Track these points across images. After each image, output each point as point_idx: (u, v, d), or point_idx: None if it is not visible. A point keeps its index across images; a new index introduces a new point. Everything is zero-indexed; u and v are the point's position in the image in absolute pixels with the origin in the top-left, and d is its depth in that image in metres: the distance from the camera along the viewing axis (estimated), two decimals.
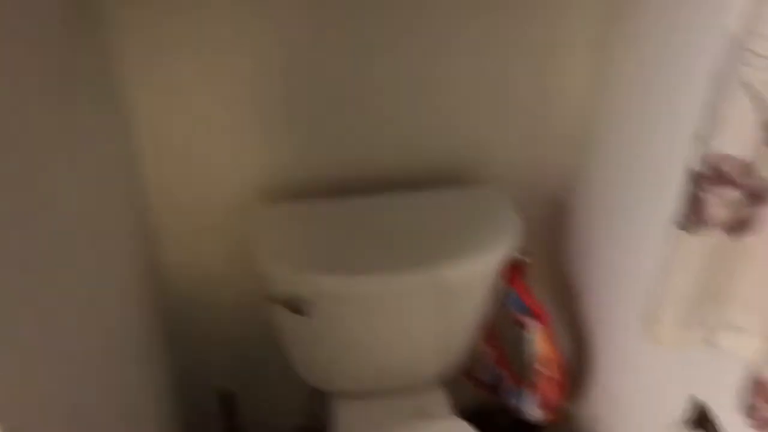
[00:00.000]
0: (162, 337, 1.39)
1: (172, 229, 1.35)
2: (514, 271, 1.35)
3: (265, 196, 1.34)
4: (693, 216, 0.78)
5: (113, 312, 1.00)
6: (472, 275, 1.24)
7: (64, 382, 0.71)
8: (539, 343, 1.31)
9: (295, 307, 1.19)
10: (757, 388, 0.75)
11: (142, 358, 1.18)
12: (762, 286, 0.81)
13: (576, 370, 1.48)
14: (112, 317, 0.99)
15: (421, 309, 1.25)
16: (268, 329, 1.37)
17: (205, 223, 1.35)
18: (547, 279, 1.58)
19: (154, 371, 1.28)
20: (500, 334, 1.52)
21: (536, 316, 1.30)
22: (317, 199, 1.32)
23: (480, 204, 1.33)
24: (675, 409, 1.11)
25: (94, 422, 0.83)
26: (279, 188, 1.34)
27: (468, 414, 1.43)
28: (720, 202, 0.75)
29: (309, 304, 1.20)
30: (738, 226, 0.77)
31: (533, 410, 1.39)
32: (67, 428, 0.71)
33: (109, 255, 1.00)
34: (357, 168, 1.35)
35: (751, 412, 0.77)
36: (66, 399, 0.71)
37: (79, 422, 0.76)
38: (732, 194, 0.74)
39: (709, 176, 0.74)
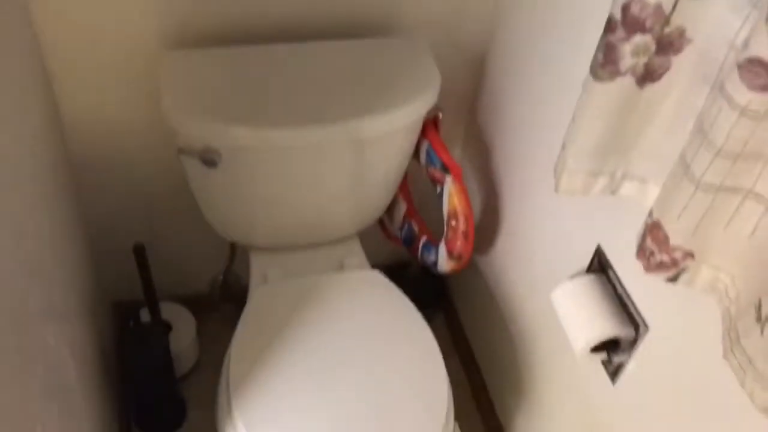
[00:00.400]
0: (72, 196, 1.34)
1: (75, 81, 1.26)
2: (429, 124, 1.34)
3: (175, 42, 1.26)
4: (605, 64, 0.78)
5: (19, 168, 0.95)
6: (391, 129, 1.23)
7: None
8: (451, 196, 1.33)
9: (207, 159, 1.16)
10: (652, 233, 0.79)
11: (51, 212, 1.14)
12: (664, 136, 0.83)
13: (485, 222, 1.53)
14: (19, 173, 0.94)
15: (337, 163, 1.24)
16: (181, 182, 1.34)
17: (110, 73, 1.27)
18: (461, 133, 1.59)
19: (65, 226, 1.24)
20: (413, 188, 1.54)
21: (449, 169, 1.31)
22: (229, 46, 1.25)
23: (400, 56, 1.29)
24: (578, 258, 1.17)
25: (7, 281, 0.80)
26: (190, 34, 1.26)
27: (382, 266, 1.47)
28: (631, 49, 0.75)
29: (221, 156, 1.16)
30: (647, 75, 0.78)
31: (442, 262, 1.44)
32: None
33: (4, 116, 0.93)
34: (273, 13, 1.27)
35: (644, 255, 0.81)
36: None
37: None
38: (643, 40, 0.74)
39: (622, 21, 0.73)
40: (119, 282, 1.59)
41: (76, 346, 1.19)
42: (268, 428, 1.11)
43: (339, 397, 1.16)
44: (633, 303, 1.03)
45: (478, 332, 1.73)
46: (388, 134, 1.23)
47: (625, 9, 0.73)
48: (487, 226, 1.53)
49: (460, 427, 1.54)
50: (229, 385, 1.17)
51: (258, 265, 1.40)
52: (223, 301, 1.71)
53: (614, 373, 1.10)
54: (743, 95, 0.61)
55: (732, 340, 0.74)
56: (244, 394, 1.15)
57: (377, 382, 1.19)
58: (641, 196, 0.91)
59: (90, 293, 1.39)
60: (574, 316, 1.08)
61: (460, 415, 1.29)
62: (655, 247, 0.79)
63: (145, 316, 1.54)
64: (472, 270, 1.66)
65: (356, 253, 1.45)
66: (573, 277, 1.13)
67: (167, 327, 1.58)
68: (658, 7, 0.72)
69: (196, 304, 1.68)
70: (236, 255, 1.57)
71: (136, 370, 1.43)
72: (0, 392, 0.73)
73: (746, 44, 0.60)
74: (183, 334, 1.59)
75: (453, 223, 1.36)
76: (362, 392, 1.17)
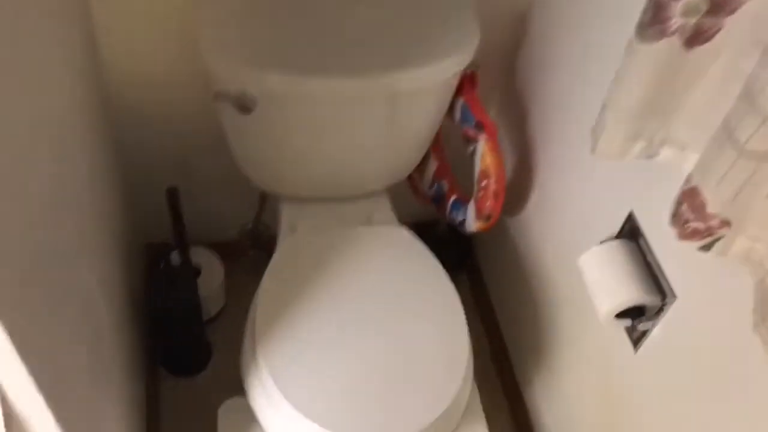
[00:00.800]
0: (109, 137, 1.35)
1: (114, 25, 1.26)
2: (466, 81, 1.33)
3: None
4: (653, 23, 0.75)
5: (60, 107, 0.96)
6: (427, 84, 1.21)
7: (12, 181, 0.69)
8: (484, 155, 1.32)
9: (242, 104, 1.16)
10: (688, 199, 0.78)
11: (89, 150, 1.16)
12: (708, 101, 0.81)
13: (516, 183, 1.52)
14: (57, 118, 0.95)
15: (371, 116, 1.24)
16: (216, 129, 1.34)
17: (148, 15, 1.26)
18: (497, 91, 1.57)
19: (102, 165, 1.26)
20: (446, 145, 1.53)
21: (483, 127, 1.30)
22: None
23: (439, 8, 1.27)
24: (609, 224, 1.16)
25: (45, 215, 0.82)
26: None
27: (410, 224, 1.47)
28: (681, 9, 0.73)
29: (256, 103, 1.16)
30: (695, 36, 0.76)
31: (470, 221, 1.44)
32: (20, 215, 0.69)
33: (49, 58, 0.94)
34: None
35: (678, 221, 0.80)
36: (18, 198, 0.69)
37: (32, 213, 0.75)
38: (695, 0, 0.71)
39: None
40: (151, 224, 1.61)
41: (107, 284, 1.22)
42: (292, 375, 1.13)
43: (360, 350, 1.18)
44: (662, 271, 1.02)
45: (501, 295, 1.73)
46: (423, 89, 1.22)
47: None
48: (517, 188, 1.52)
49: (479, 388, 1.55)
50: (254, 331, 1.19)
51: (287, 215, 1.41)
52: (251, 248, 1.73)
53: (637, 340, 1.10)
54: None
55: (764, 312, 0.73)
56: (269, 340, 1.17)
57: (399, 337, 1.20)
58: (679, 162, 0.89)
59: (122, 233, 1.42)
60: (601, 282, 1.08)
61: (479, 376, 1.30)
62: (691, 213, 0.78)
63: (175, 259, 1.56)
64: (499, 231, 1.65)
65: (385, 208, 1.45)
66: (602, 242, 1.12)
67: (196, 271, 1.60)
68: None
69: (225, 250, 1.70)
70: (267, 204, 1.58)
71: (164, 312, 1.46)
72: (32, 326, 0.74)
73: None
74: (211, 278, 1.62)
75: (484, 182, 1.35)
76: (383, 346, 1.19)
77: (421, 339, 1.21)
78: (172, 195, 1.38)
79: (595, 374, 1.26)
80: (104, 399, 1.10)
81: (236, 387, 1.25)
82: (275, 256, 1.30)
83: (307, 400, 1.10)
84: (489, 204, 1.36)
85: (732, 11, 0.72)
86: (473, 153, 1.36)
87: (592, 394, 1.28)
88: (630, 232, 1.10)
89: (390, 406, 1.12)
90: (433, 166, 1.54)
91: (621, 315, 1.07)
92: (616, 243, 1.10)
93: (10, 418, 0.76)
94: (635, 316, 1.07)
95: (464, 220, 1.46)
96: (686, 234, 0.80)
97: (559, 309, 1.39)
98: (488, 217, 1.38)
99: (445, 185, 1.52)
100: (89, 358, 1.02)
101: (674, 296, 0.99)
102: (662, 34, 0.76)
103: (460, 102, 1.34)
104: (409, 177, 1.60)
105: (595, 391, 1.26)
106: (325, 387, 1.13)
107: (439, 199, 1.54)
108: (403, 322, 1.22)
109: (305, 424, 1.08)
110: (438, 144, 1.51)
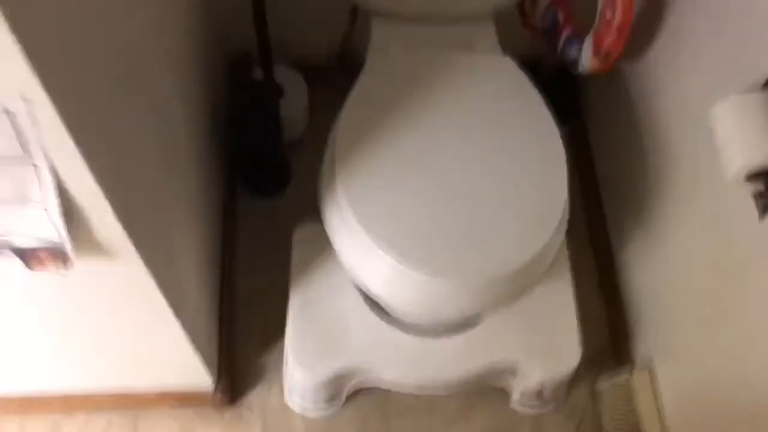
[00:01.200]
0: None
1: None
2: None
3: None
4: None
5: None
6: None
7: None
8: None
9: None
10: None
11: None
12: None
13: (643, 16, 1.31)
14: None
15: None
16: None
17: None
18: None
19: None
20: None
21: None
22: None
23: None
24: (753, 71, 0.98)
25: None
26: None
27: (514, 57, 1.32)
28: None
29: None
30: None
31: (585, 59, 1.27)
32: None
33: None
34: None
35: None
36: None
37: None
38: None
39: None
40: (235, 35, 1.51)
41: (184, 90, 1.16)
42: (371, 203, 1.06)
43: (448, 184, 1.08)
44: None
45: (606, 149, 1.58)
46: None
47: None
48: (642, 23, 1.31)
49: (567, 245, 1.43)
50: (334, 156, 1.11)
51: (379, 34, 1.27)
52: (339, 73, 1.62)
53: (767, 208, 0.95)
54: None
55: None
56: (350, 166, 1.09)
57: (491, 174, 1.10)
58: None
59: (203, 39, 1.33)
60: (737, 136, 0.92)
61: (569, 231, 1.17)
62: None
63: (258, 74, 1.47)
64: (613, 76, 1.46)
65: (488, 35, 1.28)
66: (744, 92, 0.95)
67: (279, 90, 1.51)
68: None
69: (311, 73, 1.60)
70: (357, 22, 1.45)
71: (244, 128, 1.40)
72: (94, 117, 0.68)
73: None
74: (295, 100, 1.53)
75: (608, 13, 1.17)
76: (473, 182, 1.09)
77: (515, 179, 1.10)
78: (258, 4, 1.27)
79: (708, 240, 1.13)
80: (176, 208, 1.06)
81: (313, 212, 1.19)
82: (362, 77, 1.20)
83: (383, 231, 1.03)
84: (610, 40, 1.18)
85: None
86: None
87: (699, 260, 1.15)
88: None
89: (472, 246, 1.04)
90: None
91: (754, 178, 0.92)
92: (761, 94, 0.93)
93: (70, 210, 0.72)
94: None
95: (578, 58, 1.29)
96: None
97: (673, 167, 1.23)
98: (607, 56, 1.21)
99: (561, 14, 1.33)
100: (162, 164, 0.98)
101: None
102: None
103: None
104: (520, 2, 1.42)
105: (704, 257, 1.14)
106: (404, 218, 1.05)
107: (552, 31, 1.36)
108: (498, 158, 1.11)
109: (379, 254, 1.02)
110: None
